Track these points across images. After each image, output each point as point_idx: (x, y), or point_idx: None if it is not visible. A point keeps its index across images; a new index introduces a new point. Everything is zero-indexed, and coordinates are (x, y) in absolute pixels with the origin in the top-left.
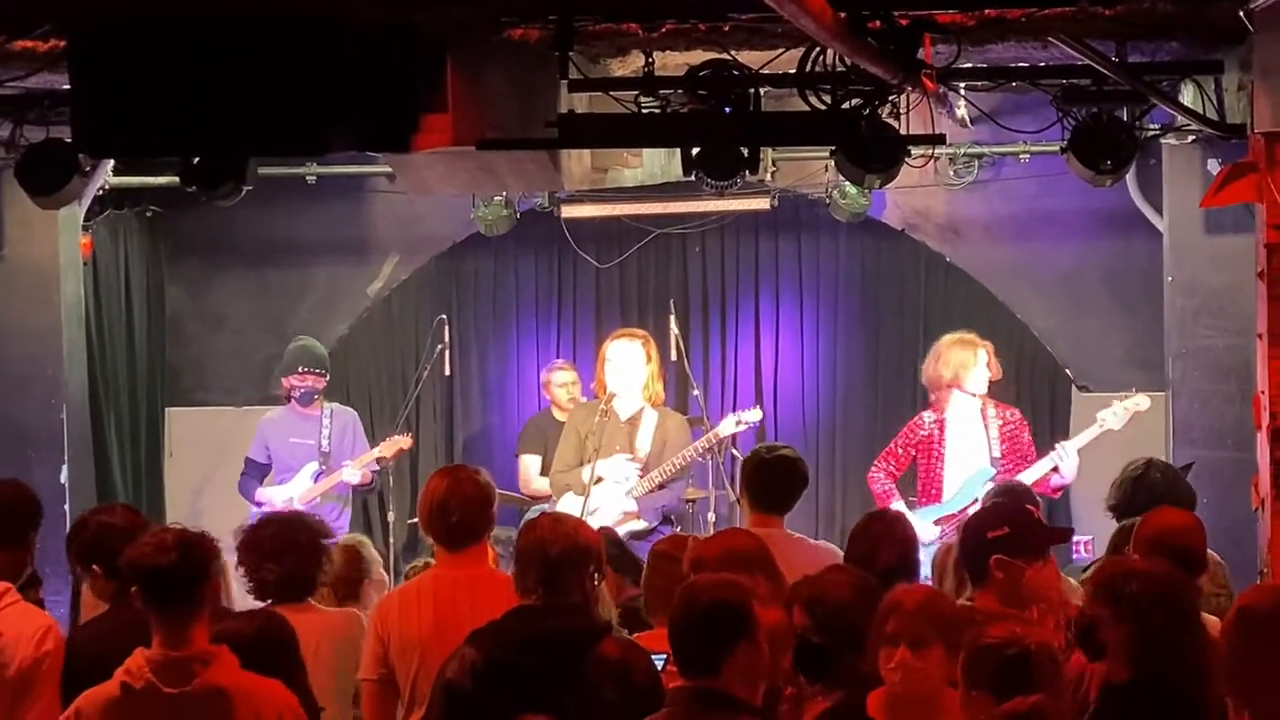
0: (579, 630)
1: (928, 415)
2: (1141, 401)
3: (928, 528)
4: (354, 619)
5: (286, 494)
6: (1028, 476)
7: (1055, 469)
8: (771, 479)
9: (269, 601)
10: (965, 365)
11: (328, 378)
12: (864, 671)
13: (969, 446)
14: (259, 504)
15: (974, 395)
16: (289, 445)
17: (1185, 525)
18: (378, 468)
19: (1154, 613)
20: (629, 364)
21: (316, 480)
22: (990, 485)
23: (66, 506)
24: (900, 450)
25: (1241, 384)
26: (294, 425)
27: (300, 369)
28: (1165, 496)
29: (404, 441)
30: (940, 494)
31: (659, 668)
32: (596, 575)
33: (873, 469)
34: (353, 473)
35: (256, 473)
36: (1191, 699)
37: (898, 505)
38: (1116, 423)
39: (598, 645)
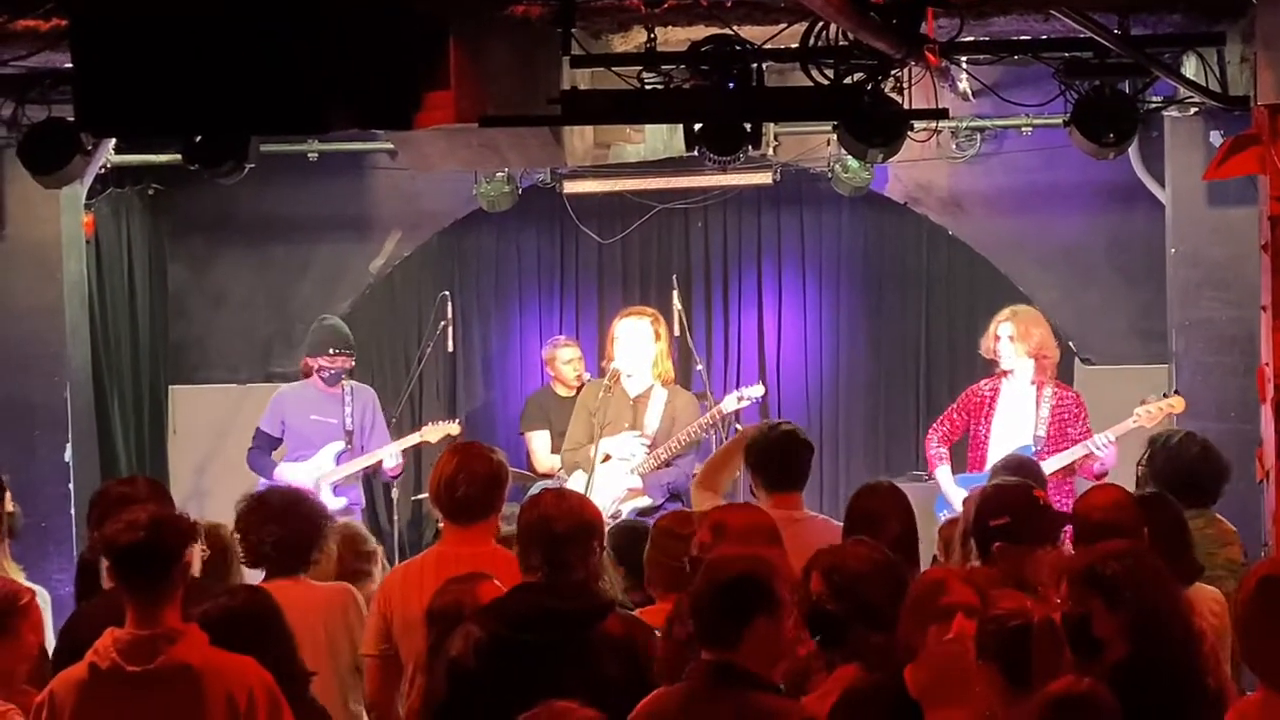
0: (583, 607)
1: (985, 383)
2: (1177, 403)
3: (961, 496)
4: (346, 592)
5: (309, 474)
6: (1057, 461)
7: (1090, 455)
8: (776, 456)
9: (263, 572)
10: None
11: (355, 357)
12: (882, 647)
13: (1016, 421)
14: (275, 480)
15: (1011, 370)
16: (310, 423)
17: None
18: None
19: (1143, 589)
20: (637, 341)
21: (339, 460)
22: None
23: (71, 485)
24: (956, 415)
25: (1245, 356)
26: (316, 402)
27: (331, 350)
28: (1192, 471)
29: (452, 428)
30: (984, 463)
31: None
32: (599, 549)
33: (930, 431)
34: (391, 457)
35: (267, 445)
36: (1189, 670)
37: (942, 470)
38: (1150, 420)
39: (602, 622)
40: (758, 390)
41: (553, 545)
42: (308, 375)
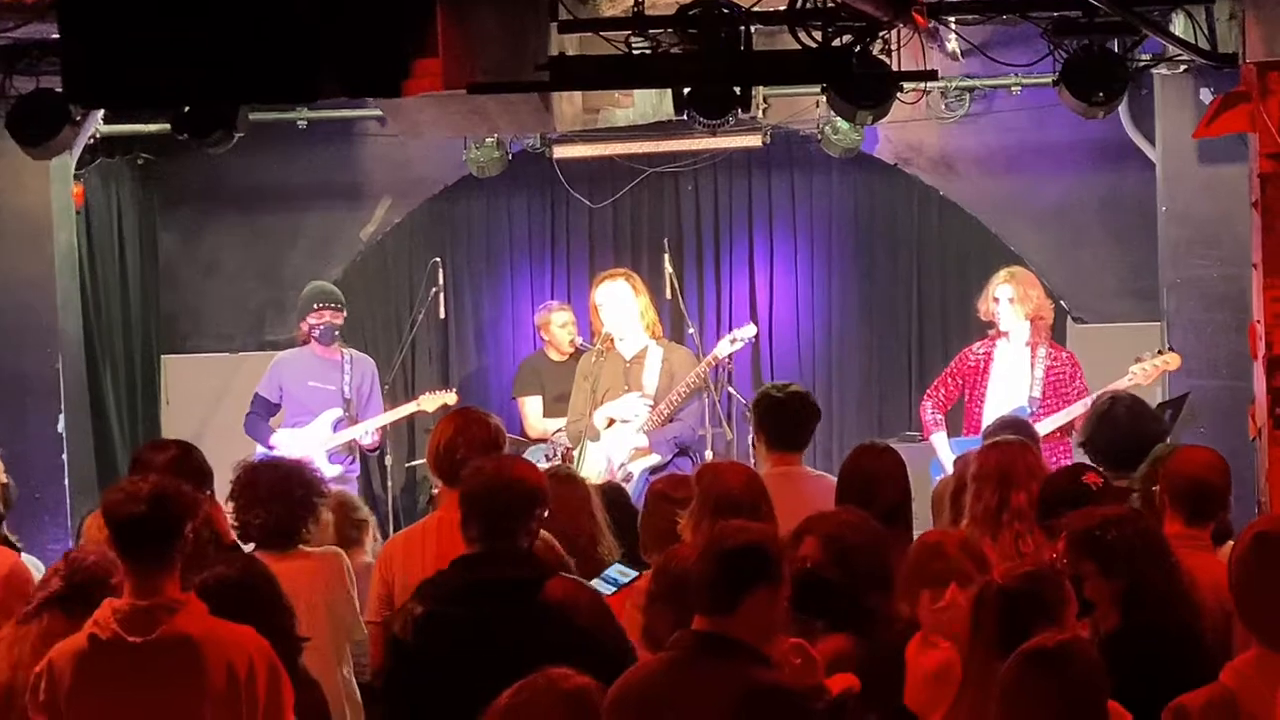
0: (517, 577)
1: (978, 346)
2: (1172, 360)
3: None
4: (337, 558)
5: (305, 442)
6: (1055, 421)
7: None
8: (786, 418)
9: (252, 546)
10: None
11: (345, 314)
12: (878, 614)
13: (1011, 383)
14: (272, 448)
15: (1007, 332)
16: (308, 389)
17: (1205, 464)
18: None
19: (1138, 558)
20: (619, 302)
21: (336, 428)
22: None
23: (64, 456)
24: (950, 379)
25: (1236, 313)
26: (313, 368)
27: (316, 305)
28: (1129, 431)
29: (449, 396)
30: (979, 426)
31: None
32: (542, 516)
33: (924, 397)
34: (368, 433)
35: (265, 411)
36: (1187, 633)
37: (938, 436)
38: (1145, 378)
39: (539, 590)
40: (750, 330)
41: (489, 516)
42: (305, 342)
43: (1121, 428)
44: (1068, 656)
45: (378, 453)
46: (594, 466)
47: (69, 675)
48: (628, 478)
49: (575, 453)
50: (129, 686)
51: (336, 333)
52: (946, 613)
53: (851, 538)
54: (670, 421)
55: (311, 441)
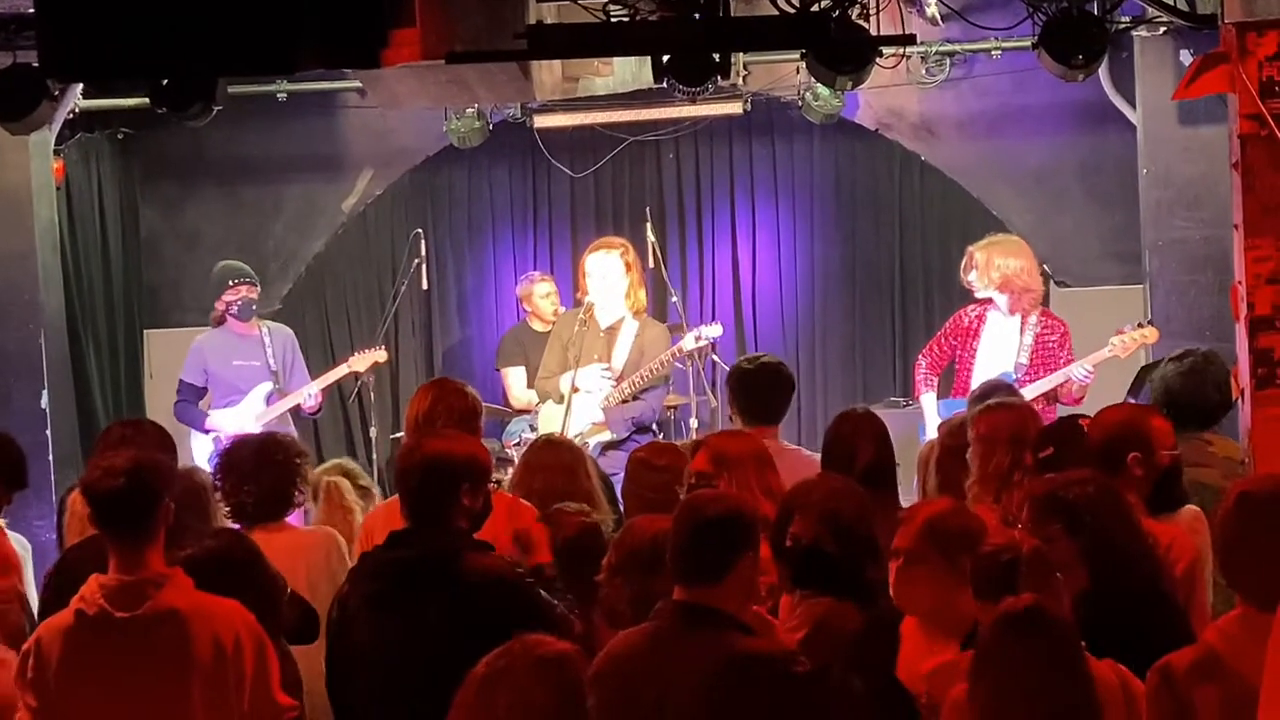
0: (431, 553)
1: (973, 308)
2: (1150, 334)
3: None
4: (330, 537)
5: (243, 418)
6: (1037, 388)
7: (1068, 381)
8: (758, 390)
9: (247, 525)
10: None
11: (259, 288)
12: (877, 583)
13: (1000, 348)
14: (207, 430)
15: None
16: (234, 368)
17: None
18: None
19: (1104, 517)
20: (608, 275)
21: (269, 401)
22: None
23: (48, 432)
24: (944, 340)
25: (1219, 275)
26: (236, 346)
27: (232, 282)
28: (1181, 389)
29: (379, 355)
30: (967, 389)
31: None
32: (472, 491)
33: (919, 356)
34: (310, 396)
35: (193, 396)
36: (1155, 593)
37: (927, 397)
38: (1124, 350)
39: (453, 566)
40: (716, 330)
41: (411, 496)
42: (221, 322)
43: (1174, 384)
44: (1039, 619)
45: (318, 414)
46: (576, 429)
47: (57, 652)
48: (583, 447)
49: (562, 413)
50: (118, 661)
51: (254, 306)
52: (894, 587)
53: (843, 508)
54: (634, 400)
55: (247, 417)
